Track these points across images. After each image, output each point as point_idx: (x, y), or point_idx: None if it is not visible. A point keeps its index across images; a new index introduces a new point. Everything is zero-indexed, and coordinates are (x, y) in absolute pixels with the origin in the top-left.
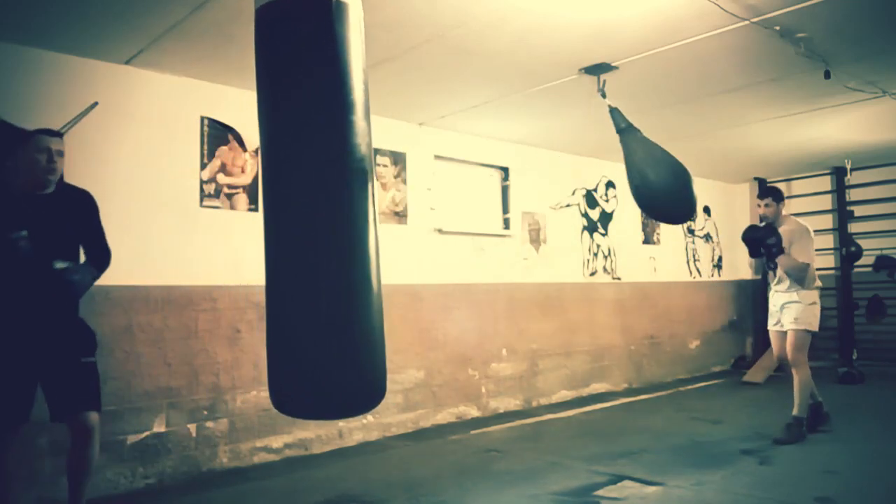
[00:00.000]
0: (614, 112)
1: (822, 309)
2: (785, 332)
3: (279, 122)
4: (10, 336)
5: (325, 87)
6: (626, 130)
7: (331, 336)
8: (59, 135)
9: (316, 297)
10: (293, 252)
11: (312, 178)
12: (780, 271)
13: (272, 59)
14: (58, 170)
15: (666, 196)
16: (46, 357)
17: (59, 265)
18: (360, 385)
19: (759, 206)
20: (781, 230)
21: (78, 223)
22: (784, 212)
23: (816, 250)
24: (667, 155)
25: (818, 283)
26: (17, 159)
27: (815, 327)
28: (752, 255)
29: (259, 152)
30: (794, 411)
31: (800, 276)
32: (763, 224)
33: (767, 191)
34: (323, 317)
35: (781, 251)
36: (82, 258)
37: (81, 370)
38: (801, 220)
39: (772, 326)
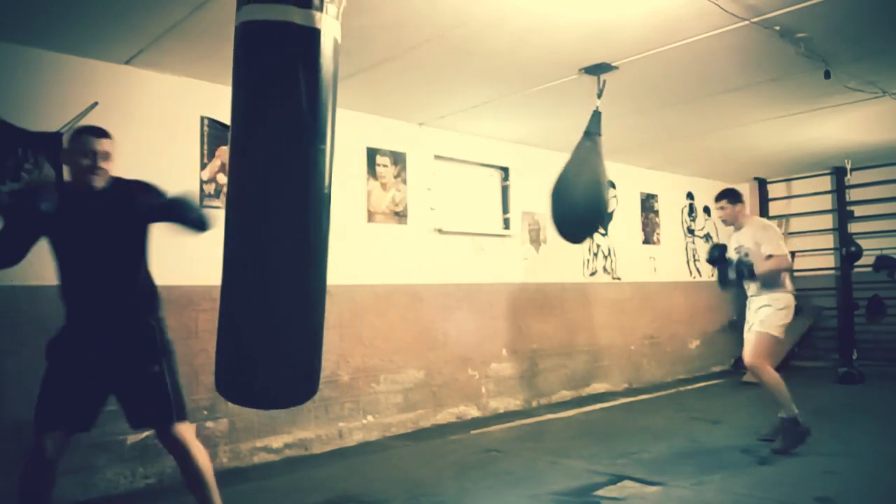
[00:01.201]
0: (596, 115)
1: (823, 309)
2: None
3: (249, 137)
4: (78, 342)
5: (295, 112)
6: (591, 135)
7: (275, 331)
8: (105, 135)
9: (266, 299)
10: (252, 262)
11: (276, 199)
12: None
13: (248, 77)
14: (102, 171)
15: (570, 215)
16: (116, 366)
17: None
18: (292, 378)
19: (716, 209)
20: (743, 233)
21: (139, 213)
22: (746, 212)
23: (816, 250)
24: (599, 184)
25: (790, 286)
26: (66, 159)
27: (779, 332)
28: (722, 284)
29: (227, 158)
30: (781, 413)
31: (782, 272)
32: (718, 252)
33: (723, 192)
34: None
35: (752, 271)
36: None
37: (150, 381)
38: (765, 219)
39: (746, 332)
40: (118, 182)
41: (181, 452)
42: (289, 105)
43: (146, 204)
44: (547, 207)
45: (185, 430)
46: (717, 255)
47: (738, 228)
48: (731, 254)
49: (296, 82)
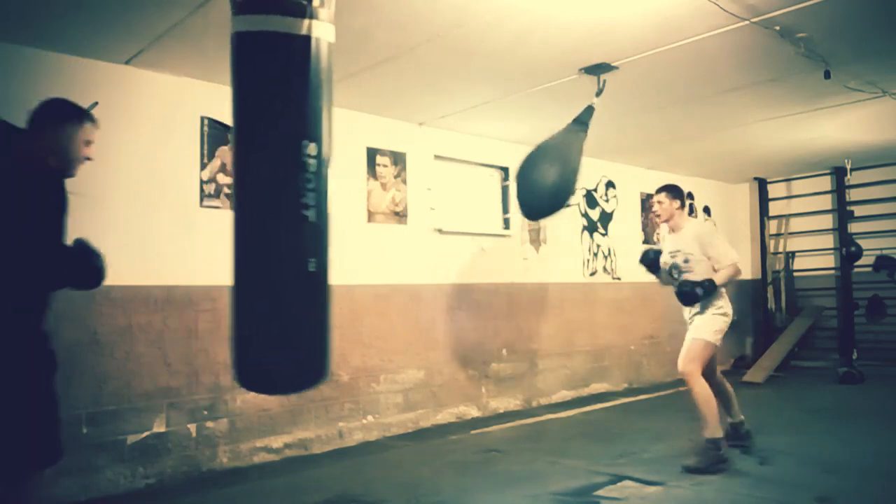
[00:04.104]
0: (589, 109)
1: (823, 309)
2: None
3: (247, 142)
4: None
5: (290, 115)
6: (579, 127)
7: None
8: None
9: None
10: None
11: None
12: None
13: (244, 86)
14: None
15: (536, 192)
16: None
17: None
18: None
19: (654, 202)
20: (682, 236)
21: None
22: (685, 214)
23: (816, 250)
24: (571, 172)
25: (723, 289)
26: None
27: (714, 339)
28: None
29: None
30: (705, 432)
31: (734, 279)
32: (653, 255)
33: (663, 186)
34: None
35: (713, 287)
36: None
37: None
38: (705, 222)
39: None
40: None
41: None
42: (284, 110)
43: None
44: (512, 180)
45: None
46: (652, 258)
47: (673, 229)
48: (667, 258)
49: (290, 89)
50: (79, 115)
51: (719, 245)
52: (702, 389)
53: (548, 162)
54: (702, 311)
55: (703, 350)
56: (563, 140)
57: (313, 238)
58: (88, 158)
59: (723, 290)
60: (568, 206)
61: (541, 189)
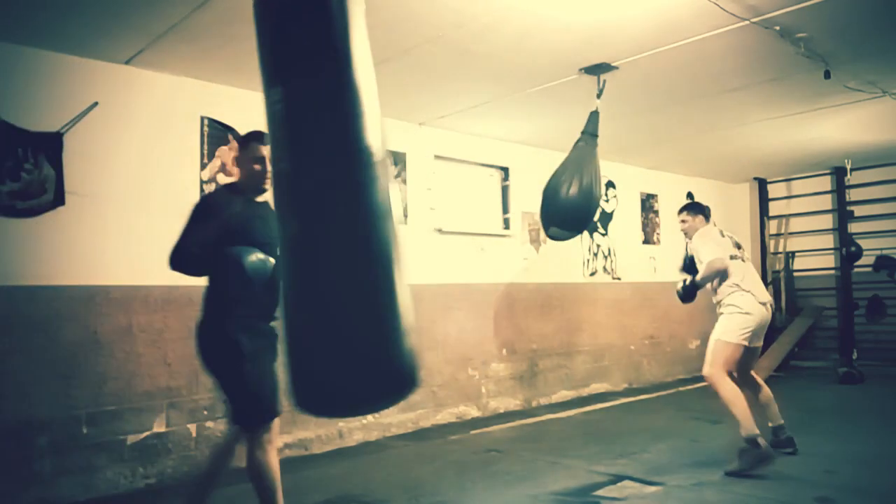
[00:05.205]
0: (594, 115)
1: (823, 309)
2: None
3: (287, 120)
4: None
5: (328, 81)
6: (589, 136)
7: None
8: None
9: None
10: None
11: (323, 175)
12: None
13: (275, 53)
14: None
15: (564, 210)
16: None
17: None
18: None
19: (678, 221)
20: (690, 244)
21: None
22: (703, 223)
23: (816, 250)
24: (593, 183)
25: (747, 289)
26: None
27: (735, 339)
28: (684, 300)
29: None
30: (742, 431)
31: (714, 277)
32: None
33: (683, 206)
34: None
35: (692, 287)
36: None
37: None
38: (708, 227)
39: None
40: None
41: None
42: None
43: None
44: (537, 204)
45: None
46: (688, 265)
47: (690, 238)
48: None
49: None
50: (241, 140)
51: (702, 249)
52: (726, 391)
53: (568, 181)
54: (722, 314)
55: (722, 351)
56: (578, 155)
57: (290, 195)
58: (264, 172)
59: (742, 290)
60: None
61: (568, 208)
